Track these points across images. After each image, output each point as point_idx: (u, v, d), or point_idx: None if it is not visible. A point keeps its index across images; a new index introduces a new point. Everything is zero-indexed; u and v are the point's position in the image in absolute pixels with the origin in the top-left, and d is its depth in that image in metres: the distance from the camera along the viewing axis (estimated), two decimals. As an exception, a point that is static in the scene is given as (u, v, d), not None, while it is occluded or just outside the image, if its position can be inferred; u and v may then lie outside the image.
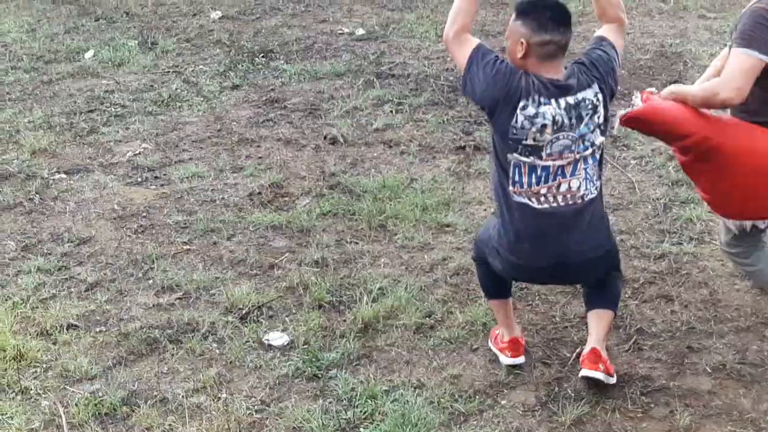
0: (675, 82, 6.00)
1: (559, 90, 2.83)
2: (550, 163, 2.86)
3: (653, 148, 5.03)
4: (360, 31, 7.84)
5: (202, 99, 6.23)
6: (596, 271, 3.07)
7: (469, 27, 3.01)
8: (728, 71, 2.91)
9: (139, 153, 5.32)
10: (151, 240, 4.28)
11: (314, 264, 3.99)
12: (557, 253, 2.93)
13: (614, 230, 4.13)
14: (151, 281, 3.91)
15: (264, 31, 7.97)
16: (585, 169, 2.89)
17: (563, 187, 2.87)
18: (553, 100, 2.82)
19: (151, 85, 6.54)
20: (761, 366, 3.15)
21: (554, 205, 2.89)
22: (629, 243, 4.04)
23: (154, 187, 4.89)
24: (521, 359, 3.24)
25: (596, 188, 2.94)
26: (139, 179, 4.98)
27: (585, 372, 3.02)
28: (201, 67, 6.95)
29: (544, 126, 2.81)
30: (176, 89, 6.42)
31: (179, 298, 3.78)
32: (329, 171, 4.97)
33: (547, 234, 2.91)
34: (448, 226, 4.32)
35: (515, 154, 2.87)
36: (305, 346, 3.38)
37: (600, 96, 2.88)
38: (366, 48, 7.35)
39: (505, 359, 3.24)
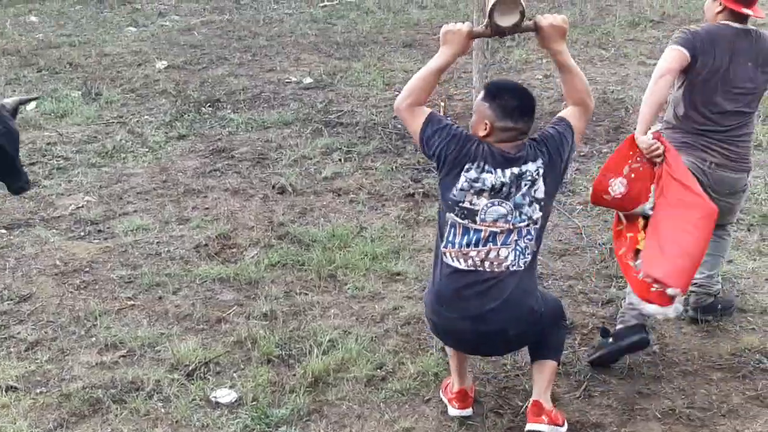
0: (617, 128, 6.18)
1: (507, 161, 2.90)
2: (482, 227, 2.91)
3: (598, 193, 5.09)
4: (307, 80, 7.88)
5: (147, 150, 6.16)
6: (522, 340, 3.08)
7: (423, 103, 3.04)
8: None
9: (82, 206, 5.22)
10: (94, 296, 4.18)
11: (263, 317, 3.92)
12: (473, 319, 2.94)
13: (562, 275, 4.17)
14: (93, 339, 3.80)
15: (211, 80, 7.95)
16: (517, 241, 2.92)
17: (492, 254, 2.92)
18: (498, 170, 2.89)
19: (95, 137, 6.45)
20: (709, 410, 3.17)
21: (480, 269, 2.92)
22: (577, 288, 4.07)
23: (97, 241, 4.79)
24: (469, 411, 3.22)
25: (525, 263, 2.94)
26: (82, 233, 4.87)
27: (528, 426, 3.04)
28: (146, 117, 6.89)
29: (481, 191, 2.89)
30: (121, 140, 6.34)
31: (123, 356, 3.68)
32: (278, 221, 4.93)
33: (464, 297, 2.94)
34: (398, 274, 4.30)
35: (452, 215, 2.93)
36: (254, 403, 3.30)
37: (542, 171, 2.92)
38: (314, 96, 7.38)
39: (453, 411, 3.22)
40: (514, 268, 2.92)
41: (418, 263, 4.40)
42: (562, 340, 3.20)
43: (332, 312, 3.96)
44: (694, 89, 3.48)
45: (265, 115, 6.81)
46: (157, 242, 4.72)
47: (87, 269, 4.45)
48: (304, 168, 5.74)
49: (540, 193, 2.93)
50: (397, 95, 7.43)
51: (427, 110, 3.03)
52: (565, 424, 3.08)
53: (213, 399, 3.35)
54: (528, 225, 2.93)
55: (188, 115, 6.85)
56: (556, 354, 3.15)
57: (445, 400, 3.27)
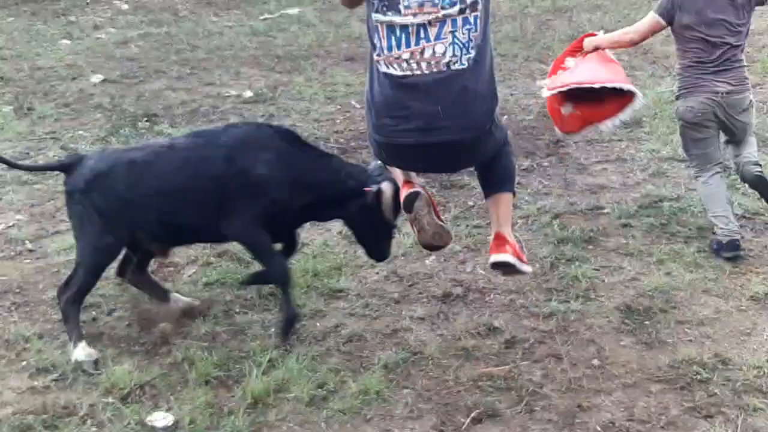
0: (558, 141, 6.24)
1: None
2: (409, 19, 2.67)
3: (538, 207, 5.14)
4: (248, 94, 7.80)
5: (81, 166, 5.99)
6: (475, 154, 2.86)
7: None
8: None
9: (13, 225, 5.07)
10: (25, 318, 4.04)
11: (201, 337, 3.84)
12: (419, 129, 2.73)
13: (503, 290, 4.18)
14: (24, 363, 3.67)
15: (147, 94, 7.81)
16: (453, 32, 2.67)
17: (427, 53, 2.68)
18: None
19: (27, 153, 6.27)
20: (648, 422, 3.19)
21: (417, 72, 2.70)
22: (518, 302, 4.08)
23: (28, 261, 4.64)
24: (418, 189, 3.09)
25: (470, 60, 2.69)
26: (12, 253, 4.72)
27: (492, 258, 2.88)
28: (80, 132, 6.72)
29: None
30: (54, 156, 6.16)
31: (55, 380, 3.56)
32: (216, 238, 4.84)
33: (407, 106, 2.74)
34: (340, 291, 4.26)
35: (376, 14, 2.72)
36: (191, 426, 3.21)
37: None
38: (254, 110, 7.30)
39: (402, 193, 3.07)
40: (457, 66, 2.70)
41: (360, 279, 4.36)
42: (511, 168, 3.05)
43: (273, 331, 3.89)
44: (683, 39, 4.46)
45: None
46: (91, 261, 4.58)
47: (18, 290, 4.31)
48: (243, 183, 5.65)
49: None
50: (339, 109, 7.42)
51: None
52: (529, 264, 3.09)
53: (149, 423, 3.25)
54: (463, 11, 2.68)
55: (124, 130, 6.70)
56: (509, 186, 3.01)
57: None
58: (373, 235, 3.89)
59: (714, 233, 4.45)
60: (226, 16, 11.96)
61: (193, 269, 4.49)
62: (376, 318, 4.00)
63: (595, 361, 3.57)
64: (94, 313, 4.07)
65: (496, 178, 2.98)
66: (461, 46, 2.68)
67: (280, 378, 3.47)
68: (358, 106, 7.41)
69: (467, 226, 4.91)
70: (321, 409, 3.32)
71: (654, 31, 4.62)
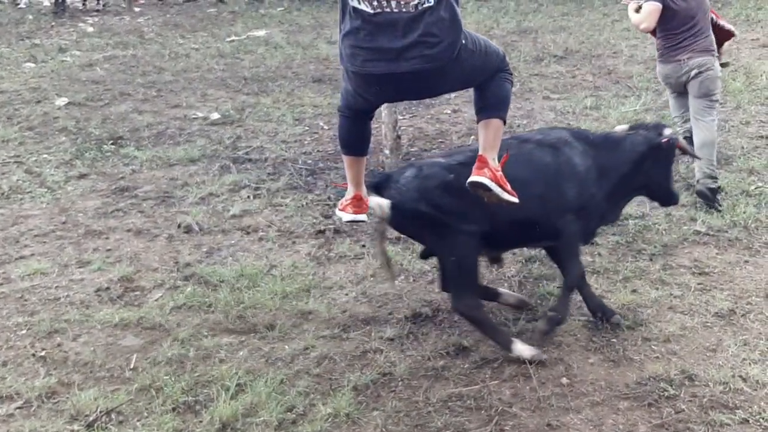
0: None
1: None
2: None
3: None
4: (215, 116, 7.77)
5: (45, 190, 5.93)
6: (443, 80, 2.99)
7: None
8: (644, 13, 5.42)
9: (-25, 250, 4.98)
10: (-13, 345, 3.96)
11: (168, 362, 3.79)
12: (388, 59, 2.89)
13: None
14: (-13, 391, 3.60)
15: (113, 117, 7.76)
16: None
17: None
18: None
19: (-10, 177, 6.18)
20: (618, 439, 3.21)
21: (387, 10, 2.87)
22: (487, 322, 4.08)
23: (-9, 286, 4.56)
24: (363, 216, 3.24)
25: None
26: (-25, 279, 4.63)
27: (470, 178, 2.98)
28: (45, 156, 6.65)
29: None
30: (17, 180, 6.09)
31: (19, 408, 3.49)
32: (184, 261, 4.80)
33: (377, 40, 2.90)
34: (309, 313, 4.24)
35: None
36: (159, 453, 3.17)
37: None
38: (221, 132, 7.27)
39: (347, 216, 3.18)
40: (426, 5, 2.86)
41: (330, 301, 4.35)
42: (504, 94, 3.13)
43: (241, 354, 3.85)
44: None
45: (171, 152, 6.67)
46: (56, 286, 4.53)
47: (-21, 317, 4.22)
48: (211, 206, 5.63)
49: None
50: (307, 130, 7.40)
51: None
52: (514, 194, 3.13)
53: (115, 451, 3.20)
54: None
55: (89, 153, 6.64)
56: (499, 111, 3.11)
57: (339, 213, 3.30)
58: (668, 182, 4.22)
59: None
60: (193, 39, 11.95)
61: (160, 293, 4.45)
62: (346, 339, 3.98)
63: (564, 380, 3.58)
64: (59, 339, 4.00)
65: (488, 102, 3.10)
66: None
67: (248, 402, 3.44)
68: (326, 127, 7.42)
69: (436, 246, 4.91)
70: (290, 433, 3.29)
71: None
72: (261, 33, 12.15)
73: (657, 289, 4.32)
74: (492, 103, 3.11)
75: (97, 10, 15.00)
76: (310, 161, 6.49)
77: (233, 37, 11.92)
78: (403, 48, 2.89)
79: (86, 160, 6.50)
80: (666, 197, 4.32)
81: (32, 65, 10.20)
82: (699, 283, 4.36)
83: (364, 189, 3.30)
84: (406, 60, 2.90)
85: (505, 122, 3.18)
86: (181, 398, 3.49)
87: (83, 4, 15.70)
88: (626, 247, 4.82)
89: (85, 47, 11.38)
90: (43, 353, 3.88)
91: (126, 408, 3.46)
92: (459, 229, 3.63)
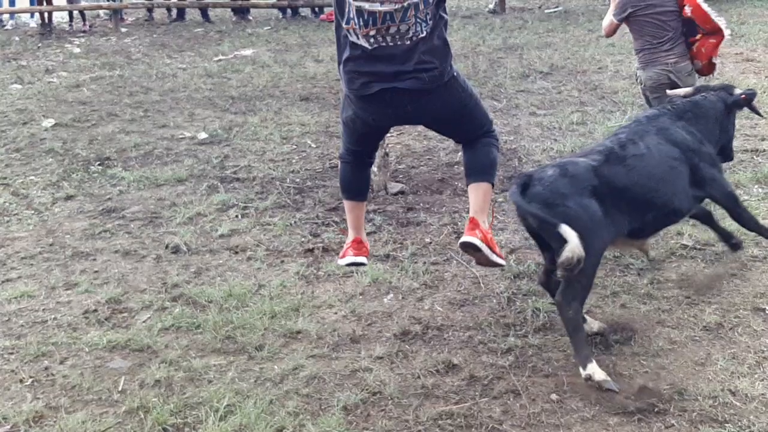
0: (512, 177, 6.31)
1: None
2: (377, 7, 3.01)
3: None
4: (202, 135, 7.77)
5: (32, 212, 5.91)
6: (433, 103, 3.16)
7: None
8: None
9: (-39, 273, 4.94)
10: (-27, 369, 3.93)
11: (156, 384, 3.76)
12: (385, 80, 3.10)
13: (462, 326, 4.19)
14: (-27, 416, 3.57)
15: (100, 138, 7.74)
16: (416, 15, 3.03)
17: (392, 30, 3.04)
18: None
19: (-23, 199, 6.15)
20: (609, 455, 3.21)
21: (383, 44, 3.07)
22: (477, 339, 4.09)
23: (-23, 310, 4.52)
24: (363, 259, 3.42)
25: (428, 27, 3.07)
26: (-39, 302, 4.60)
27: (462, 239, 3.15)
28: (32, 178, 6.63)
29: None
30: (4, 203, 6.07)
31: (6, 433, 3.46)
32: (171, 282, 4.78)
33: (376, 66, 3.10)
34: (298, 332, 4.22)
35: (347, 6, 3.06)
36: (147, 477, 3.14)
37: None
38: (209, 152, 7.27)
39: (348, 259, 3.36)
40: (420, 35, 3.06)
41: (319, 320, 4.34)
42: (492, 159, 3.34)
43: (230, 375, 3.83)
44: (635, 25, 5.95)
45: (158, 173, 6.66)
46: (43, 309, 4.50)
47: (-34, 341, 4.19)
48: (199, 226, 5.62)
49: None
50: (295, 149, 7.43)
51: None
52: (503, 257, 3.37)
53: (103, 475, 3.17)
54: None
55: (76, 175, 6.63)
56: (488, 175, 3.32)
57: (340, 261, 3.48)
58: (733, 138, 4.59)
59: None
60: (180, 58, 11.96)
61: (148, 314, 4.43)
62: (335, 358, 3.97)
63: (554, 396, 3.58)
64: (46, 362, 3.97)
65: (477, 168, 3.29)
66: (422, 20, 3.07)
67: (237, 424, 3.42)
68: (313, 145, 7.43)
69: (425, 263, 4.92)
70: (280, 454, 3.28)
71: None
72: (248, 52, 12.18)
73: (645, 303, 4.33)
74: (480, 168, 3.31)
75: (84, 31, 15.00)
76: (298, 180, 6.49)
77: (220, 57, 11.94)
78: (400, 72, 3.10)
79: (73, 182, 6.49)
80: (731, 153, 4.68)
81: (19, 86, 10.18)
82: (687, 297, 4.38)
83: (364, 233, 3.49)
84: (402, 80, 3.10)
85: (493, 186, 3.37)
86: (170, 420, 3.47)
87: (69, 25, 15.71)
88: (614, 262, 4.83)
89: (71, 68, 11.37)
90: (30, 377, 3.85)
91: (114, 431, 3.43)
92: (593, 239, 3.66)
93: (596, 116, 7.86)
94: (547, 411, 3.48)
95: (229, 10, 16.45)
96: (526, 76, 9.80)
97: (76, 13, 15.83)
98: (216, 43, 13.22)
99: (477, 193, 3.27)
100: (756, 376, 3.65)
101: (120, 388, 3.75)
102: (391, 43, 3.08)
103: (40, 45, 13.48)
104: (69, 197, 6.19)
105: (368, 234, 5.35)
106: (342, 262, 3.52)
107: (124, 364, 3.95)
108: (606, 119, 7.70)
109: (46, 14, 15.07)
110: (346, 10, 3.12)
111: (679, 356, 3.85)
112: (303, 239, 5.39)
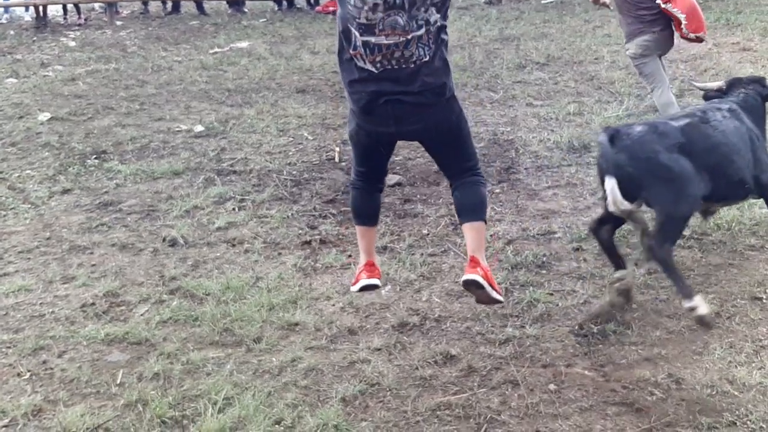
0: (509, 168, 6.32)
1: None
2: (383, 40, 3.13)
3: (492, 233, 5.18)
4: (199, 128, 7.75)
5: (29, 206, 5.90)
6: (434, 117, 3.30)
7: None
8: None
9: (-42, 268, 4.93)
10: (-29, 364, 3.92)
11: (155, 377, 3.76)
12: (391, 93, 3.23)
13: (459, 317, 4.19)
14: (-28, 410, 3.56)
15: (96, 131, 7.72)
16: (418, 42, 3.16)
17: (397, 54, 3.17)
18: None
19: (-27, 194, 6.14)
20: (607, 445, 3.21)
21: (388, 67, 3.20)
22: (475, 330, 4.09)
23: (-25, 304, 4.52)
24: (377, 281, 3.56)
25: (430, 51, 3.19)
26: (-42, 297, 4.59)
27: (464, 277, 3.29)
28: (28, 172, 6.61)
29: (376, 5, 3.12)
30: (0, 197, 6.05)
31: (5, 427, 3.46)
32: (169, 275, 4.78)
33: (381, 85, 3.23)
34: (296, 324, 4.22)
35: (352, 28, 3.16)
36: (146, 469, 3.14)
37: None
38: (205, 145, 7.26)
39: (361, 282, 3.52)
40: (423, 59, 3.19)
41: (317, 311, 4.34)
42: (482, 199, 3.48)
43: (228, 367, 3.84)
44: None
45: (155, 166, 6.64)
46: (41, 303, 4.50)
47: (-37, 336, 4.19)
48: (196, 219, 5.61)
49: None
50: (291, 141, 7.41)
51: None
52: (502, 293, 3.49)
53: (102, 468, 3.18)
54: (428, 30, 3.16)
55: (73, 168, 6.61)
56: (480, 214, 3.44)
57: (353, 288, 3.62)
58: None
59: None
60: (176, 51, 11.93)
61: (145, 307, 4.42)
62: (333, 350, 3.97)
63: (552, 386, 3.59)
64: (44, 356, 3.97)
65: (470, 207, 3.41)
66: (424, 45, 3.19)
67: (236, 416, 3.42)
68: (310, 138, 7.42)
69: (422, 254, 4.92)
70: (279, 446, 3.28)
71: None
72: (244, 44, 12.14)
73: (642, 293, 4.34)
74: (472, 208, 3.45)
75: (79, 25, 14.95)
76: (294, 172, 6.48)
77: (216, 49, 11.90)
78: (405, 91, 3.25)
79: (70, 175, 6.47)
80: None
81: (14, 80, 10.15)
82: (684, 287, 4.38)
83: (376, 257, 3.63)
84: (406, 95, 3.25)
85: (486, 222, 3.49)
86: (169, 413, 3.47)
87: (64, 19, 15.65)
88: (611, 252, 4.83)
89: (67, 62, 11.34)
90: (28, 370, 3.85)
91: (113, 424, 3.44)
92: (686, 189, 4.01)
93: (593, 107, 7.85)
94: (545, 401, 3.49)
95: (225, 2, 16.40)
96: (523, 66, 9.78)
97: (70, 6, 15.77)
98: (212, 36, 13.18)
99: (472, 232, 3.40)
100: (753, 365, 3.66)
101: (118, 382, 3.75)
102: (396, 66, 3.21)
103: (35, 39, 13.43)
104: (66, 191, 6.18)
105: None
106: (355, 287, 3.61)
107: (123, 357, 3.95)
108: (603, 109, 7.69)
109: (41, 8, 15.02)
110: (353, 40, 3.24)
111: (676, 346, 3.86)
112: (300, 231, 5.38)
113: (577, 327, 4.03)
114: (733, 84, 4.77)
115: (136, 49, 12.21)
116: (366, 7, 3.14)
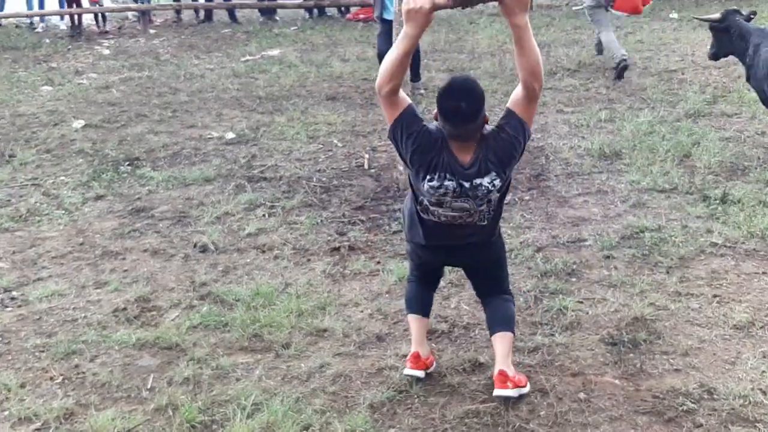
0: (539, 175, 6.29)
1: (464, 172, 3.28)
2: (449, 212, 3.39)
3: (521, 240, 5.16)
4: (230, 135, 7.82)
5: (63, 212, 5.98)
6: (480, 246, 3.55)
7: (399, 87, 3.29)
8: None
9: (-6, 272, 5.02)
10: (6, 367, 3.98)
11: (185, 382, 3.80)
12: (446, 239, 3.52)
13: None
14: (6, 413, 3.61)
15: (129, 138, 7.82)
16: (480, 214, 3.38)
17: (459, 221, 3.41)
18: (457, 178, 3.28)
19: (8, 200, 6.24)
20: (637, 455, 3.18)
21: (453, 223, 3.43)
22: (504, 337, 4.06)
23: (10, 308, 4.59)
24: (420, 373, 3.66)
25: (490, 217, 3.44)
26: (-6, 301, 4.67)
27: (495, 392, 3.48)
28: (62, 178, 6.71)
29: (445, 193, 3.32)
30: (35, 203, 6.15)
31: (37, 430, 3.51)
32: (199, 281, 4.82)
33: (443, 231, 3.48)
34: (325, 330, 4.23)
35: (424, 199, 3.40)
36: (176, 473, 3.17)
37: (497, 181, 3.32)
38: (236, 152, 7.32)
39: (405, 371, 3.67)
40: (481, 223, 3.43)
41: (345, 318, 4.35)
42: (511, 313, 3.65)
43: (257, 373, 3.86)
44: None
45: (186, 172, 6.71)
46: (73, 308, 4.56)
47: (-1, 339, 4.26)
48: (226, 225, 5.65)
49: (496, 187, 3.33)
50: (321, 148, 7.46)
51: (404, 103, 3.31)
52: (528, 384, 3.55)
53: (132, 472, 3.21)
54: (488, 205, 3.39)
55: (106, 175, 6.70)
56: (509, 326, 3.60)
57: (405, 372, 3.72)
58: None
59: (614, 59, 9.09)
60: (208, 59, 12.05)
61: (176, 313, 4.46)
62: (361, 357, 3.98)
63: (581, 395, 3.56)
64: (77, 360, 4.02)
65: (501, 319, 3.61)
66: (485, 214, 3.42)
67: (265, 421, 3.44)
68: (339, 144, 7.44)
69: (451, 261, 4.91)
70: (307, 452, 3.29)
71: None
72: (275, 52, 12.23)
73: (674, 301, 4.29)
74: (503, 320, 3.63)
75: (105, 32, 15.14)
76: (324, 179, 6.51)
77: (247, 57, 12.00)
78: (456, 245, 3.54)
79: (103, 182, 6.56)
80: None
81: (49, 88, 10.32)
82: (716, 296, 4.33)
83: (424, 347, 3.75)
84: (458, 245, 3.54)
85: (514, 334, 3.66)
86: (198, 418, 3.50)
87: (98, 27, 15.88)
88: (642, 260, 4.79)
89: (101, 70, 11.50)
90: (60, 374, 3.90)
91: (143, 428, 3.47)
92: None
93: (624, 113, 7.79)
94: (574, 410, 3.46)
95: (256, 10, 16.53)
96: (554, 73, 9.74)
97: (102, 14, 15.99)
98: (243, 44, 13.28)
99: (503, 342, 3.56)
100: (787, 375, 3.60)
101: (149, 386, 3.79)
102: (455, 223, 3.42)
103: (70, 47, 13.64)
104: (99, 197, 6.26)
105: (393, 233, 5.37)
106: (405, 371, 3.76)
107: (153, 362, 3.99)
108: (634, 116, 7.63)
109: (75, 16, 15.25)
110: (423, 203, 3.43)
111: (708, 355, 3.81)
112: (329, 238, 5.40)
113: (607, 335, 3.99)
114: (729, 14, 6.18)
115: (169, 57, 12.35)
116: (437, 194, 3.32)
